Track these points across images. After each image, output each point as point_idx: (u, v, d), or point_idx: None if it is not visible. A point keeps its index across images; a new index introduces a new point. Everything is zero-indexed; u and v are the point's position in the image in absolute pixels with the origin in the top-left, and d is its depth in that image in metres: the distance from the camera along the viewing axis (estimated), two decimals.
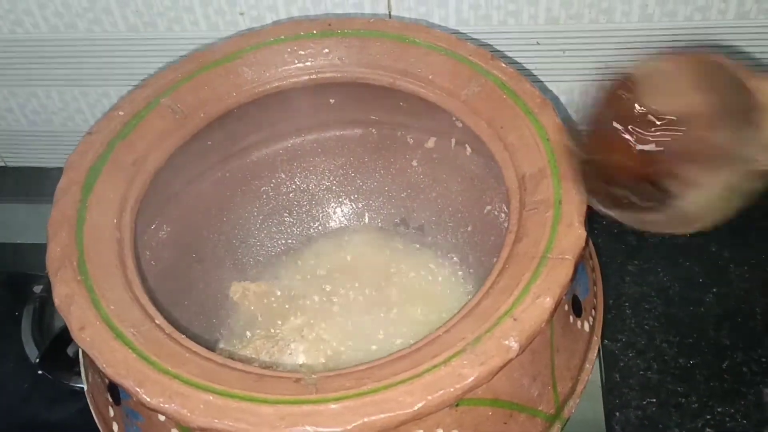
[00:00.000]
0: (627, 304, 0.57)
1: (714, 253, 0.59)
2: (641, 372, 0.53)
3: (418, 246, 0.51)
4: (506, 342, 0.29)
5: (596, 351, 0.37)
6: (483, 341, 0.30)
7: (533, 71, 0.58)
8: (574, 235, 0.33)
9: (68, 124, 0.66)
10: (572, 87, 0.59)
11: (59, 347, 0.55)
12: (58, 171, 0.69)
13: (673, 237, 0.60)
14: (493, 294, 0.32)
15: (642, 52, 0.56)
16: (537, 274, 0.32)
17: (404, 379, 0.29)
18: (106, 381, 0.35)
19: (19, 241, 0.64)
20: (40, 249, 0.59)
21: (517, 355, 0.29)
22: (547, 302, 0.30)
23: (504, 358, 0.29)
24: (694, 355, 0.53)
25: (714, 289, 0.57)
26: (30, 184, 0.69)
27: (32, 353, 0.56)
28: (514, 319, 0.30)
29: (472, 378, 0.28)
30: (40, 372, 0.54)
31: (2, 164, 0.71)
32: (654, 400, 0.52)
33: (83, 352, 0.34)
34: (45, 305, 0.58)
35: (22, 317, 0.58)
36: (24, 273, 0.60)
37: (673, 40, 0.55)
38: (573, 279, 0.32)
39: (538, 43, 0.56)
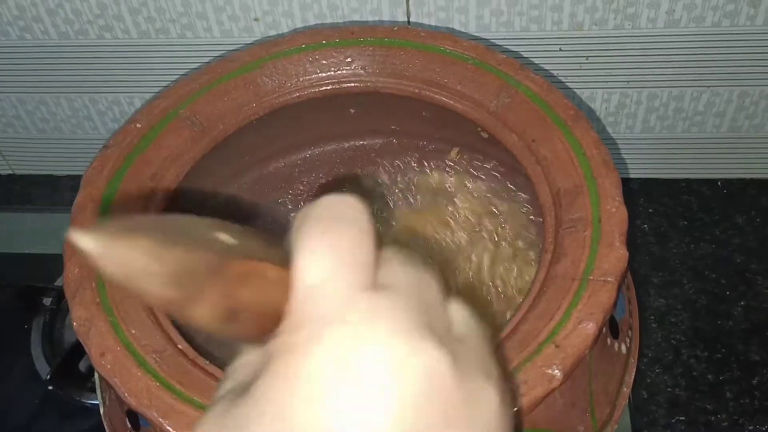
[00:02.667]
0: (652, 317, 0.55)
1: (740, 264, 0.57)
2: (669, 389, 0.52)
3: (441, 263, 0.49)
4: (549, 371, 0.28)
5: (633, 374, 0.36)
6: (524, 370, 0.28)
7: (555, 78, 0.56)
8: (615, 256, 0.31)
9: (77, 131, 0.65)
10: (595, 94, 0.58)
11: (71, 362, 0.53)
12: (68, 179, 0.69)
13: (697, 248, 0.59)
14: (532, 318, 0.30)
15: (668, 58, 0.55)
16: (578, 297, 0.30)
17: None
18: (125, 406, 0.33)
19: (27, 252, 0.62)
20: (49, 259, 0.58)
21: (561, 385, 0.28)
22: (591, 328, 0.29)
23: (547, 387, 0.28)
24: (723, 371, 0.52)
25: (742, 302, 0.55)
26: (38, 192, 0.68)
27: (42, 368, 0.55)
28: (557, 346, 0.29)
29: (515, 408, 0.27)
30: (50, 388, 0.53)
31: (10, 172, 0.69)
32: (683, 417, 0.50)
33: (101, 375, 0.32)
34: (55, 318, 0.57)
35: (31, 331, 0.57)
36: (33, 285, 0.58)
37: (700, 47, 0.54)
38: (616, 303, 0.30)
39: (560, 50, 0.55)
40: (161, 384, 0.29)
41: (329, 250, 0.18)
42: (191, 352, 0.31)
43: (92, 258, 0.16)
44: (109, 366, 0.29)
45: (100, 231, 0.16)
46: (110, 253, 0.16)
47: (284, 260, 0.19)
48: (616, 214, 0.33)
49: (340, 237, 0.19)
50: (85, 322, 0.31)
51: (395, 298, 0.18)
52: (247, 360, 0.20)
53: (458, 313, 0.20)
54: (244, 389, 0.18)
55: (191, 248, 0.17)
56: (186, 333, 0.32)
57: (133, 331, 0.31)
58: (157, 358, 0.30)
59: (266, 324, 0.18)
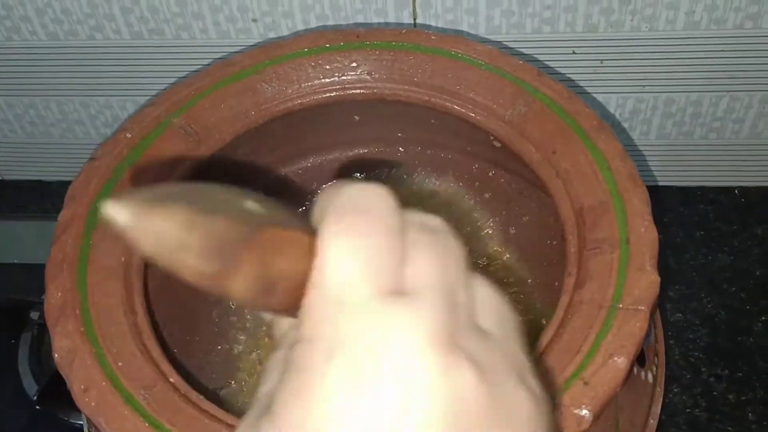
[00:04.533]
0: (669, 333, 0.53)
1: (760, 277, 0.55)
2: (688, 410, 0.49)
3: None
4: (577, 411, 0.26)
5: (660, 404, 0.33)
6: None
7: (568, 83, 0.54)
8: (646, 281, 0.29)
9: (68, 136, 0.62)
10: (609, 100, 0.55)
11: (60, 380, 0.51)
12: (58, 185, 0.66)
13: (715, 260, 0.56)
14: (556, 350, 0.28)
15: (686, 62, 0.52)
16: (607, 327, 0.28)
17: None
18: None
19: (15, 261, 0.60)
20: (38, 270, 0.55)
21: (590, 426, 0.25)
22: (622, 363, 0.27)
23: (576, 429, 0.25)
24: (745, 391, 0.50)
25: (762, 317, 0.53)
26: (28, 199, 0.65)
27: (30, 387, 0.52)
28: (585, 383, 0.26)
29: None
30: (38, 407, 0.50)
31: None
32: None
33: None
34: (43, 333, 0.54)
35: (18, 346, 0.54)
36: (20, 298, 0.56)
37: (721, 50, 0.51)
38: (648, 334, 0.28)
39: (574, 53, 0.52)
40: (150, 424, 0.26)
41: (354, 251, 0.17)
42: (183, 386, 0.28)
43: (125, 231, 0.15)
44: (93, 403, 0.27)
45: (132, 202, 0.15)
46: (145, 225, 0.15)
47: (310, 230, 0.18)
48: (645, 234, 0.30)
49: (366, 235, 0.17)
50: (67, 353, 0.28)
51: (420, 306, 0.17)
52: (279, 359, 0.19)
53: (484, 294, 0.19)
54: (268, 403, 0.17)
55: (226, 217, 0.16)
56: (178, 363, 0.30)
57: (120, 364, 0.28)
58: (146, 395, 0.27)
59: (302, 294, 0.18)
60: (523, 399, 0.17)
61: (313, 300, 0.17)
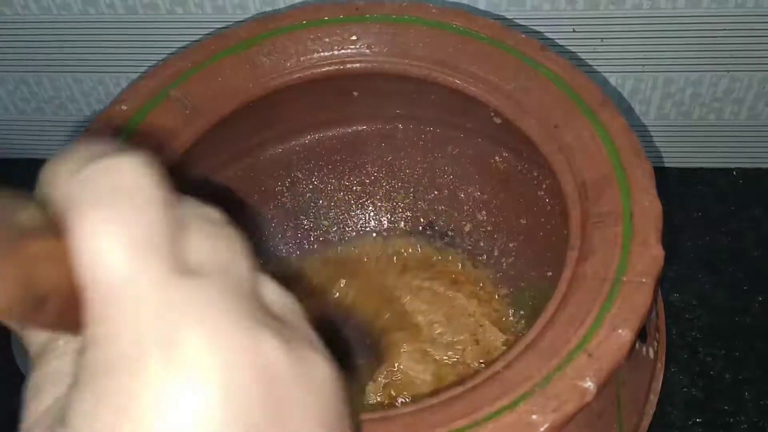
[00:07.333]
0: (666, 313, 0.53)
1: (757, 258, 0.55)
2: (685, 389, 0.49)
3: (448, 253, 0.47)
4: (581, 383, 0.25)
5: (661, 380, 0.33)
6: (554, 381, 0.26)
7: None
8: (650, 255, 0.28)
9: (60, 113, 0.61)
10: (608, 78, 0.55)
11: None
12: None
13: (712, 241, 0.56)
14: (560, 323, 0.28)
15: (687, 41, 0.52)
16: (610, 300, 0.27)
17: (462, 427, 0.25)
18: None
19: None
20: None
21: (594, 398, 0.25)
22: (626, 335, 0.26)
23: (580, 402, 0.25)
24: (742, 370, 0.50)
25: (760, 298, 0.53)
26: (19, 177, 0.64)
27: (24, 366, 0.52)
28: (589, 355, 0.26)
29: (545, 427, 0.24)
30: None
31: None
32: (699, 420, 0.48)
33: None
34: None
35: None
36: None
37: (721, 29, 0.51)
38: (652, 307, 0.27)
39: (574, 30, 0.52)
40: None
41: (125, 240, 0.15)
42: None
43: None
44: None
45: None
46: None
47: (59, 226, 0.16)
48: (649, 208, 0.30)
49: (132, 220, 0.16)
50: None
51: (212, 285, 0.16)
52: (54, 371, 0.17)
53: (271, 288, 0.19)
54: (59, 417, 0.16)
55: None
56: None
57: None
58: None
59: (77, 310, 0.16)
60: (320, 362, 0.18)
61: (98, 301, 0.15)
